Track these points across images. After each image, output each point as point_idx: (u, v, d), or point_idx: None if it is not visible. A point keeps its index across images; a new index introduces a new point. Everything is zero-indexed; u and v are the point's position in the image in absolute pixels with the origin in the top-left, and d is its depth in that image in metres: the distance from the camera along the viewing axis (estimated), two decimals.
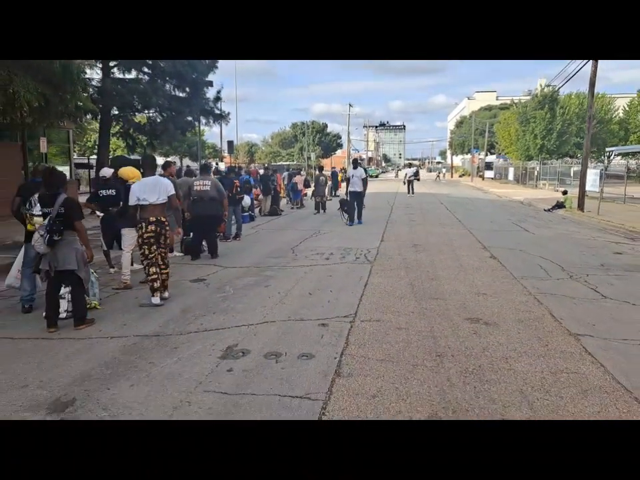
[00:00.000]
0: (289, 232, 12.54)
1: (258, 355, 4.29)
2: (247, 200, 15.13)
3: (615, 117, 45.09)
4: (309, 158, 51.43)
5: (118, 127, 20.75)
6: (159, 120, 18.11)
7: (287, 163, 50.29)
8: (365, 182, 14.14)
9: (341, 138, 70.82)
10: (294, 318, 5.33)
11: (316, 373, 3.91)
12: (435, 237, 11.57)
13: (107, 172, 8.46)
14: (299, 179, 20.20)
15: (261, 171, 22.82)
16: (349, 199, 14.20)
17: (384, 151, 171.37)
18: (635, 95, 46.33)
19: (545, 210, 20.32)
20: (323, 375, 3.86)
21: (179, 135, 18.89)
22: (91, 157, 29.02)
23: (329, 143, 66.89)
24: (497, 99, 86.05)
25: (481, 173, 55.09)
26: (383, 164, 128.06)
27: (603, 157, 45.51)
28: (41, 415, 3.30)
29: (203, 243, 9.33)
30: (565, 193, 21.27)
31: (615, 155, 43.09)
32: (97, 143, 20.30)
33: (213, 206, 8.83)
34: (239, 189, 11.40)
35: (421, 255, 9.17)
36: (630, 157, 43.09)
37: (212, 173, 12.48)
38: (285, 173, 23.81)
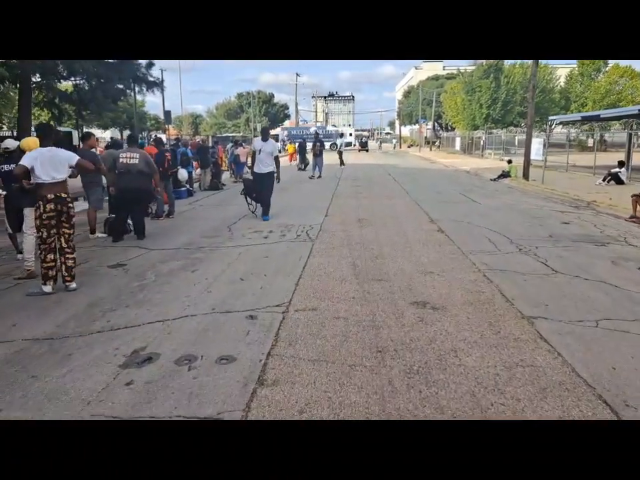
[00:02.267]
0: (228, 208, 11.74)
1: (168, 360, 3.61)
2: (183, 173, 14.16)
3: (557, 86, 45.97)
4: (255, 129, 49.90)
5: (41, 96, 18.94)
6: (86, 88, 16.55)
7: (233, 134, 48.58)
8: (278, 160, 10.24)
9: (288, 108, 69.25)
10: (219, 310, 4.65)
11: (235, 381, 3.27)
12: (381, 210, 11.08)
13: (10, 144, 7.34)
14: (241, 151, 19.18)
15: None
16: (255, 180, 10.25)
17: (333, 122, 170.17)
18: (575, 65, 47.35)
19: (490, 179, 20.34)
20: (243, 385, 3.23)
21: (110, 104, 17.36)
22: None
23: (276, 114, 65.23)
24: (443, 69, 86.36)
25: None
26: None
27: (545, 126, 46.54)
28: None
29: (129, 222, 8.45)
30: (509, 162, 21.34)
31: (556, 123, 44.10)
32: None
33: (140, 179, 7.92)
34: (170, 163, 10.44)
35: (366, 231, 8.64)
36: (570, 125, 44.25)
37: (162, 145, 11.47)
38: (229, 145, 22.72)
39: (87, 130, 56.21)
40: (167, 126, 55.24)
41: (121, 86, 17.50)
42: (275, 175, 10.12)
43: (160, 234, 8.62)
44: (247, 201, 10.53)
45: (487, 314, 4.56)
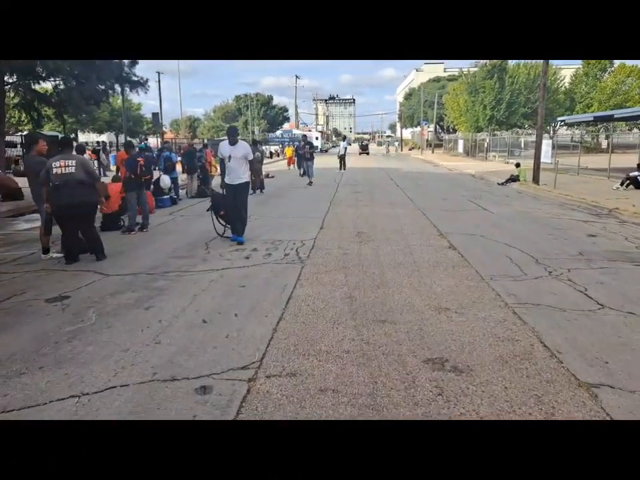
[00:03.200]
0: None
1: None
2: (165, 180, 12.99)
3: (561, 86, 44.71)
4: (253, 132, 48.77)
5: (18, 98, 17.79)
6: (62, 88, 15.37)
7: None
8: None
9: (287, 111, 68.09)
10: (161, 375, 3.39)
11: None
12: (383, 221, 9.84)
13: None
14: None
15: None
16: (225, 194, 8.33)
17: (334, 125, 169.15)
18: (580, 66, 46.13)
19: (498, 184, 19.18)
20: None
21: (88, 106, 16.06)
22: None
23: (274, 117, 64.02)
24: (444, 71, 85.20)
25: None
26: (334, 138, 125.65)
27: (549, 127, 45.34)
28: None
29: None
30: (518, 165, 20.12)
31: (560, 125, 42.78)
32: None
33: (81, 191, 6.63)
34: (143, 169, 9.22)
35: (366, 248, 7.40)
36: (575, 127, 42.99)
37: (132, 149, 10.18)
38: None
39: (80, 135, 54.31)
40: (163, 129, 53.96)
41: (102, 87, 16.32)
42: (251, 183, 8.77)
43: (125, 253, 7.39)
44: (213, 220, 8.71)
45: (529, 380, 3.31)
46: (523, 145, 30.99)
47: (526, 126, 42.44)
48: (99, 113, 50.93)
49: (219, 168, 18.66)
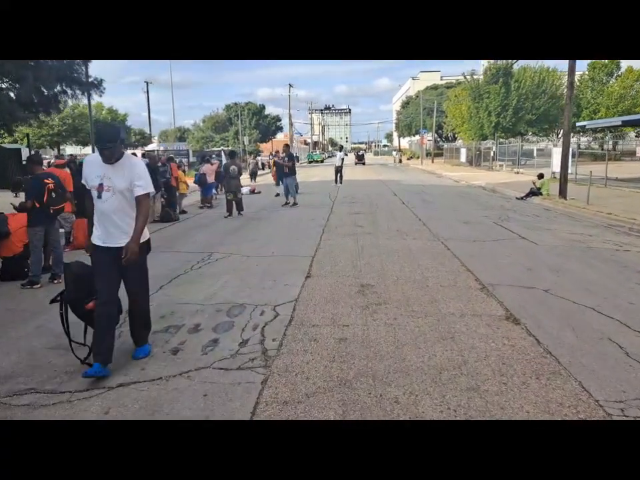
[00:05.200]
0: (161, 258, 7.61)
1: None
2: None
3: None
4: (243, 142, 46.04)
5: None
6: None
7: (221, 148, 44.53)
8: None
9: (281, 120, 65.46)
10: None
11: None
12: (394, 263, 7.02)
13: None
14: (208, 169, 15.12)
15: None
16: (97, 266, 3.79)
17: (330, 135, 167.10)
18: (585, 71, 43.77)
19: (517, 198, 16.57)
20: None
21: (27, 113, 13.07)
22: None
23: (267, 126, 61.31)
24: (441, 79, 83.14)
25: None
26: (329, 148, 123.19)
27: (553, 135, 42.89)
28: None
29: None
30: (541, 176, 17.33)
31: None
32: None
33: None
34: (52, 195, 6.40)
35: (376, 323, 4.58)
36: (581, 134, 40.54)
37: (38, 166, 7.40)
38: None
39: (65, 148, 51.36)
40: (152, 140, 51.02)
41: (50, 90, 13.53)
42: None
43: None
44: (64, 326, 3.88)
45: None
46: (535, 154, 28.40)
47: (530, 133, 39.98)
48: (82, 124, 48.26)
49: (188, 183, 15.48)
